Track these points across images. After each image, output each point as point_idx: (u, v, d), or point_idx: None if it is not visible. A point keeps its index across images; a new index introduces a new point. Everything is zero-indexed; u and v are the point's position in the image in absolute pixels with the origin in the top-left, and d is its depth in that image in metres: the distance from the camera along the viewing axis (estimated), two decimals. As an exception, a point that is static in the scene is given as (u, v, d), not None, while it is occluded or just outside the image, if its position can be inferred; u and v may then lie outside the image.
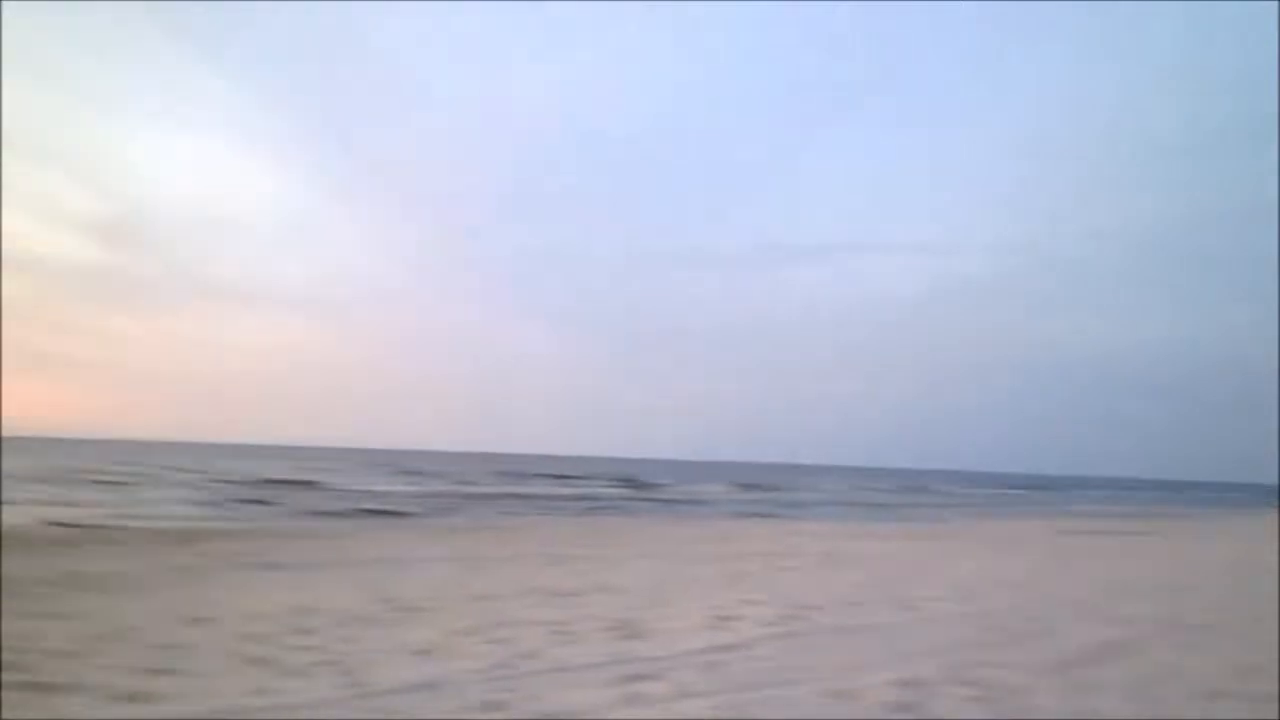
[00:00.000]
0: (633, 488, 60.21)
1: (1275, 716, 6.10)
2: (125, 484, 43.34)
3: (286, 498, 37.51)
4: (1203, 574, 15.21)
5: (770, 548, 18.80)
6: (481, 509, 35.81)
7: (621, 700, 5.85)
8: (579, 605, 9.91)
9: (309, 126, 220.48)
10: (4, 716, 4.27)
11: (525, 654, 7.19)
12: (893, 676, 6.67)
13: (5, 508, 27.66)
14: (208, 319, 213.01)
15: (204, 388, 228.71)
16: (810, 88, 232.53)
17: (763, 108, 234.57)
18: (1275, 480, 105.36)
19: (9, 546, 16.20)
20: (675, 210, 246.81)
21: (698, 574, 13.44)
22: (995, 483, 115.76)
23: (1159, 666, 7.34)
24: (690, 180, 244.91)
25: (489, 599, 10.27)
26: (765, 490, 64.45)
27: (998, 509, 50.01)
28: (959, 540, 22.93)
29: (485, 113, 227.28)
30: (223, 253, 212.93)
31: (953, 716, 5.67)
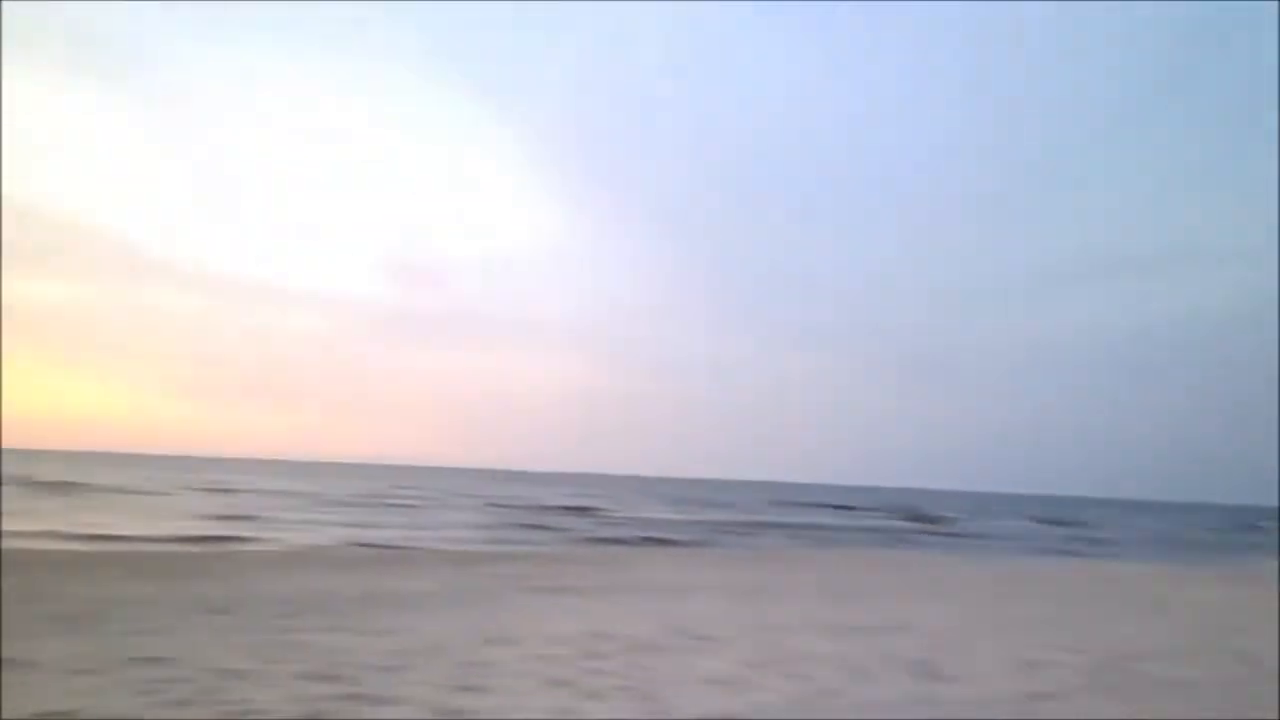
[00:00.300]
0: (917, 520, 58.18)
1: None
2: (417, 507, 46.98)
3: (567, 523, 39.22)
4: None
5: (1078, 589, 17.51)
6: (762, 539, 35.85)
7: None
8: (874, 642, 9.61)
9: (579, 165, 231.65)
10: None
11: (824, 691, 7.03)
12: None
13: (317, 529, 30.74)
14: (488, 351, 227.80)
15: (485, 416, 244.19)
16: (1099, 90, 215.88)
17: (1040, 114, 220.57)
18: None
19: (323, 564, 17.93)
20: (950, 230, 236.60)
21: (1000, 614, 12.71)
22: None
23: None
24: (960, 197, 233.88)
25: (779, 631, 10.17)
26: (1065, 526, 60.23)
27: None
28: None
29: (745, 140, 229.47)
30: (501, 288, 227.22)
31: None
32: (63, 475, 58.20)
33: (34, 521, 27.39)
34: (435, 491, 68.14)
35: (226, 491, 53.30)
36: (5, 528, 24.86)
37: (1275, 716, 6.08)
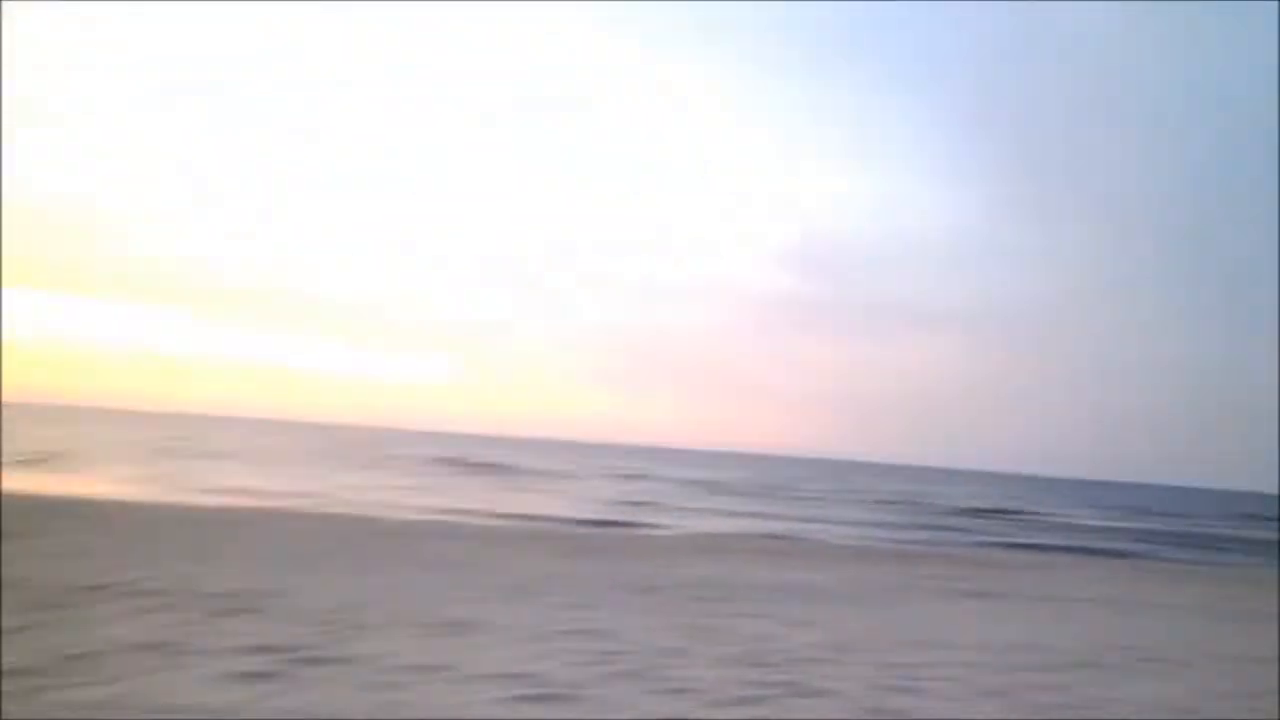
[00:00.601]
0: None
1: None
2: (817, 500, 47.47)
3: (981, 525, 37.91)
4: None
5: None
6: (1213, 554, 32.57)
7: None
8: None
9: (979, 154, 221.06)
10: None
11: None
12: None
13: (720, 518, 32.09)
14: (884, 341, 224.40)
15: (884, 409, 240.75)
16: None
17: None
18: None
19: (730, 552, 18.65)
20: None
21: None
22: None
23: None
24: None
25: (1255, 661, 9.18)
26: None
27: None
28: None
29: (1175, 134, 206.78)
30: (899, 276, 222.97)
31: None
32: (491, 458, 65.30)
33: (463, 499, 31.04)
34: (835, 484, 68.55)
35: (636, 478, 57.05)
36: (442, 504, 28.43)
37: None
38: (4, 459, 31.52)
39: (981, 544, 28.82)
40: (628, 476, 58.71)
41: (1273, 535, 46.29)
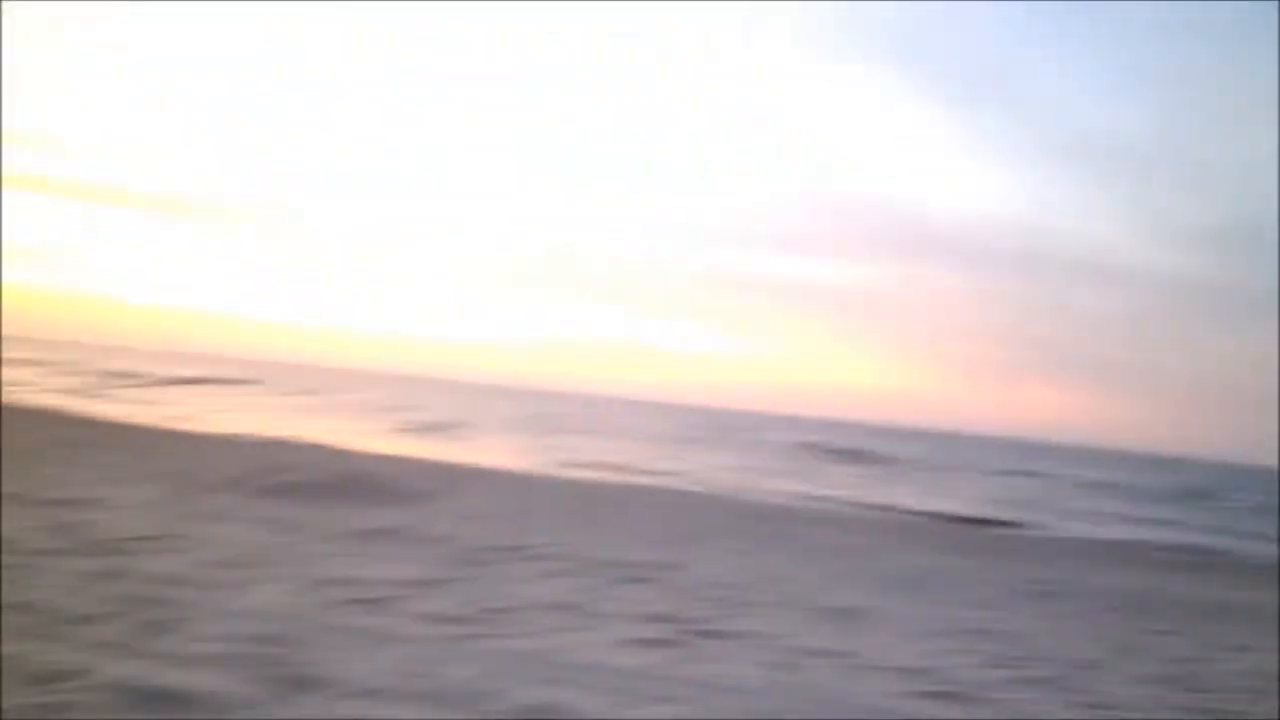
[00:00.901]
0: None
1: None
2: (1247, 511, 42.88)
3: None
4: None
5: None
6: None
7: None
8: None
9: None
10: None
11: None
12: None
13: (1119, 524, 29.90)
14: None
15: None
16: None
17: None
18: None
19: (1137, 562, 17.35)
20: None
21: None
22: None
23: None
24: None
25: None
26: None
27: None
28: None
29: None
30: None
31: None
32: (854, 444, 64.72)
33: (830, 486, 31.09)
34: (1263, 494, 61.64)
35: (1016, 474, 54.34)
36: (809, 490, 28.66)
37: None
38: (404, 427, 35.55)
39: None
40: (1006, 472, 56.01)
41: None
